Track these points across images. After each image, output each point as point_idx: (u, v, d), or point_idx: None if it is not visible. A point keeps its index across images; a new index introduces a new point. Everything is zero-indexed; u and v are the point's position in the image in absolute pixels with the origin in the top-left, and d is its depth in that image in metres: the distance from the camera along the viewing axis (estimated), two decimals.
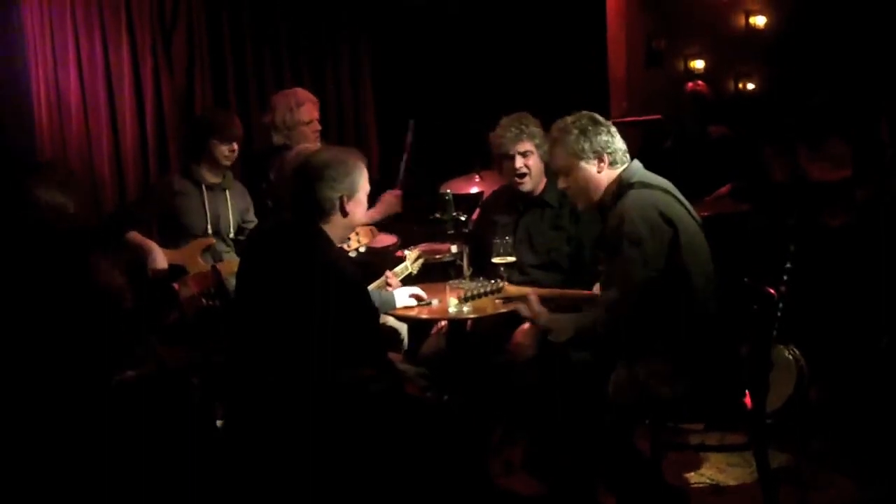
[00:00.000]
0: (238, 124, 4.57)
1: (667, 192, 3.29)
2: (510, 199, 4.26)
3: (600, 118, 3.41)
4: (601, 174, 3.34)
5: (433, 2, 6.73)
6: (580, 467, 3.47)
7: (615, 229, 3.19)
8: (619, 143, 3.37)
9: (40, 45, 5.31)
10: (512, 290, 3.76)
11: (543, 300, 3.49)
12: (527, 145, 4.06)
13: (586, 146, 3.32)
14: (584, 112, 3.43)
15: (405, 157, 5.01)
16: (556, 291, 3.73)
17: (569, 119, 3.41)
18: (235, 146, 4.52)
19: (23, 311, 2.96)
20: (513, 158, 4.07)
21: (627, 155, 3.38)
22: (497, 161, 4.19)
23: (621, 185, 3.30)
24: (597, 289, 3.56)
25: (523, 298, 3.50)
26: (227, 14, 6.02)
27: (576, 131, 3.34)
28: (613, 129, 3.40)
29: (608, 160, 3.32)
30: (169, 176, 5.08)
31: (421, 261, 4.29)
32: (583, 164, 3.33)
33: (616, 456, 3.25)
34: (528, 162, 4.08)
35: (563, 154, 3.37)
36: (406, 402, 3.15)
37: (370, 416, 2.93)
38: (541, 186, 4.16)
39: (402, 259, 4.27)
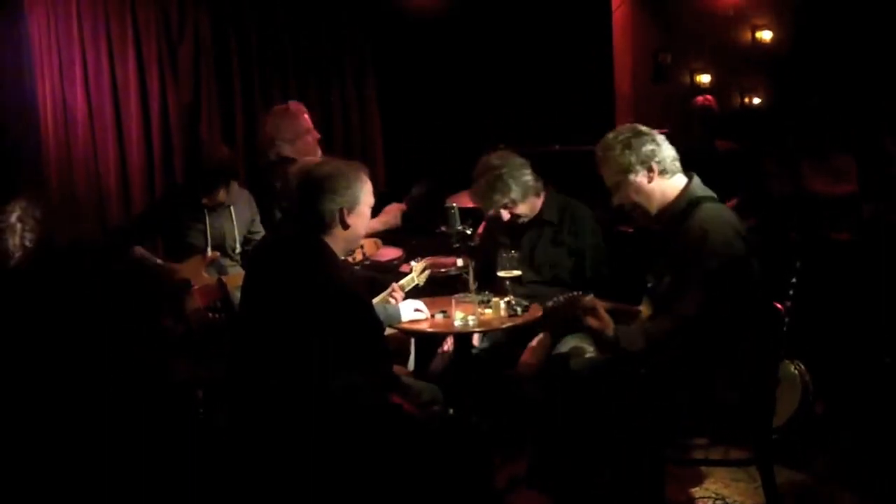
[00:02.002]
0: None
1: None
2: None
3: (643, 128, 3.31)
4: (653, 184, 3.24)
5: (439, 17, 6.76)
6: (586, 482, 3.46)
7: (696, 242, 3.08)
8: (666, 151, 3.26)
9: (47, 58, 5.34)
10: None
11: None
12: (505, 204, 4.08)
13: (632, 159, 3.22)
14: (626, 125, 3.36)
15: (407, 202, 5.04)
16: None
17: (610, 135, 3.31)
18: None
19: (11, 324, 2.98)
20: (498, 216, 4.12)
21: (678, 163, 3.28)
22: None
23: (690, 200, 3.21)
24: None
25: (592, 310, 3.28)
26: (233, 27, 6.05)
27: (619, 146, 3.25)
28: (660, 138, 3.30)
29: (657, 169, 3.23)
30: (172, 192, 5.08)
31: (427, 272, 4.27)
32: (632, 177, 3.23)
33: (621, 472, 3.23)
34: (515, 210, 4.12)
35: (612, 172, 3.27)
36: (406, 416, 3.14)
37: (369, 427, 2.92)
38: (537, 207, 4.19)
39: (407, 272, 4.26)
